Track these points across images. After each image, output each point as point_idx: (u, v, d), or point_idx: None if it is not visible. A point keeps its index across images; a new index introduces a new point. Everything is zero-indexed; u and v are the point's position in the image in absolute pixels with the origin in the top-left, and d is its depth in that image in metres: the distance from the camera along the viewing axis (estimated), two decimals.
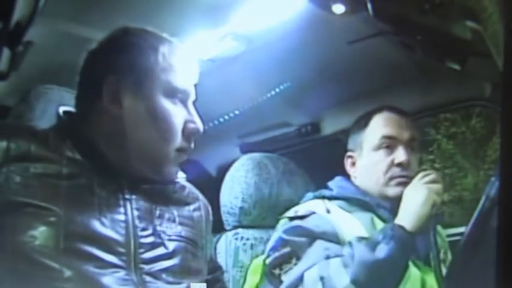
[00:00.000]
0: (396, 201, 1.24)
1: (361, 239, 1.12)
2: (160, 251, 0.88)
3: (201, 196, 1.06)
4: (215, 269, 1.08)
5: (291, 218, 1.25)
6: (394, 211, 1.22)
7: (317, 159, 1.72)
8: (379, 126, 1.31)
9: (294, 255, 1.17)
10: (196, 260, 0.96)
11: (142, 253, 0.85)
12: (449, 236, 1.41)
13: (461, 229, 1.39)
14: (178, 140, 0.91)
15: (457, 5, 0.80)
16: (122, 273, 0.81)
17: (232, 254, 1.50)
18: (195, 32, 1.26)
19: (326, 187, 1.34)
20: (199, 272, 0.96)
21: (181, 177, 0.99)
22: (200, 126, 0.93)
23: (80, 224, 0.81)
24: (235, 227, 1.53)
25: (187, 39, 1.26)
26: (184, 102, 0.93)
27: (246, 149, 1.82)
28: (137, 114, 0.89)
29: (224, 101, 1.61)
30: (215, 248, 1.55)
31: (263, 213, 1.53)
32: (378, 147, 1.29)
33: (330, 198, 1.28)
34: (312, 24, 1.20)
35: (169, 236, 0.91)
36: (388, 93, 1.51)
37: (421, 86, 1.46)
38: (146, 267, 0.85)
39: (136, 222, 0.87)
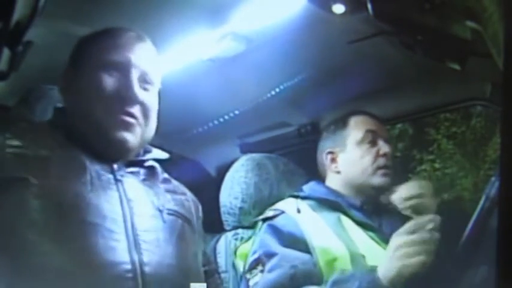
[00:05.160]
0: (376, 192, 1.35)
1: (336, 282, 1.11)
2: (156, 222, 0.92)
3: (189, 193, 1.09)
4: (209, 262, 1.11)
5: (263, 220, 1.35)
6: (365, 208, 1.35)
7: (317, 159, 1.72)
8: (361, 123, 1.43)
9: (260, 262, 1.24)
10: (192, 234, 1.00)
11: (138, 223, 0.88)
12: None
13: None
14: (112, 105, 0.94)
15: (457, 5, 0.80)
16: (119, 244, 0.83)
17: (232, 254, 1.50)
18: (195, 32, 1.26)
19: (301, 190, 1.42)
20: (195, 244, 1.00)
21: (161, 155, 1.05)
22: (135, 91, 0.96)
23: (72, 196, 0.83)
24: (235, 227, 1.53)
25: (187, 39, 1.26)
26: (122, 72, 0.96)
27: (246, 149, 1.82)
28: (80, 92, 0.96)
29: (224, 101, 1.60)
30: (215, 248, 1.55)
31: (263, 213, 1.53)
32: (362, 141, 1.39)
33: (303, 198, 1.37)
34: (311, 24, 1.19)
35: (168, 209, 0.96)
36: (388, 93, 1.51)
37: (421, 86, 1.46)
38: (143, 234, 0.87)
39: (130, 195, 0.90)
